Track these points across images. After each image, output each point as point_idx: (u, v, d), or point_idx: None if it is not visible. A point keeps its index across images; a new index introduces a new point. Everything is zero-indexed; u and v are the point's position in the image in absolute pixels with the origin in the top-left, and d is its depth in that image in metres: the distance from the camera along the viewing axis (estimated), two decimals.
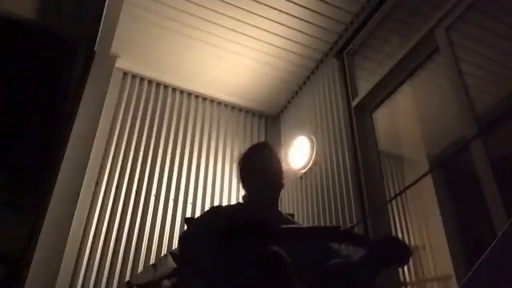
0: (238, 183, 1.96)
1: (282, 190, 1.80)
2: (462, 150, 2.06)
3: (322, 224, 2.75)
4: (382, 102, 2.77)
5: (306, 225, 2.08)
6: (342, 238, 1.60)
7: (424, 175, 2.03)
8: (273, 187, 1.73)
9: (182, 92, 3.51)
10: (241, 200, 1.80)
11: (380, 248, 1.54)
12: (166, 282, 2.04)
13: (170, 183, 3.06)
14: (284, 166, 1.87)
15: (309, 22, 3.02)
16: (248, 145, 3.51)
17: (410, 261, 2.79)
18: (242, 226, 1.40)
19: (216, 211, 1.80)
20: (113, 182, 2.88)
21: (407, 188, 2.40)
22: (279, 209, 1.84)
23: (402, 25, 2.79)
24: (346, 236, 1.60)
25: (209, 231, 1.45)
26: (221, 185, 3.24)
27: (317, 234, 1.61)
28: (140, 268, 2.65)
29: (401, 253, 1.54)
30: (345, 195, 2.58)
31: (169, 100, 3.42)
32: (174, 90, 3.49)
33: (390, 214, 2.67)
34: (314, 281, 1.44)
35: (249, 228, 1.39)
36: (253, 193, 1.74)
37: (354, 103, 2.83)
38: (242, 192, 1.82)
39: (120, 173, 2.94)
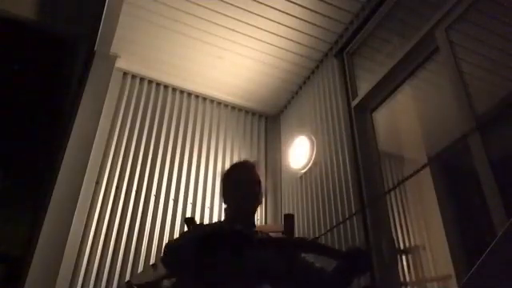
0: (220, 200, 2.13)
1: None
2: (461, 142, 2.06)
3: (322, 224, 2.75)
4: (382, 102, 2.77)
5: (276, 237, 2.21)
6: (310, 248, 1.72)
7: (423, 167, 2.04)
8: (248, 201, 1.83)
9: (182, 92, 3.52)
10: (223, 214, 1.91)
11: (345, 259, 1.66)
12: (165, 282, 2.04)
13: (170, 183, 3.06)
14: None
15: (309, 22, 3.02)
16: (248, 145, 3.55)
17: (410, 261, 2.80)
18: (219, 235, 1.50)
19: (196, 227, 1.93)
20: (113, 182, 2.88)
21: (406, 179, 2.40)
22: (256, 223, 1.97)
23: (402, 25, 2.79)
24: (314, 247, 1.71)
25: (191, 242, 1.54)
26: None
27: (286, 244, 1.71)
28: (140, 268, 2.65)
29: (362, 264, 1.67)
30: (345, 195, 2.59)
31: (169, 100, 3.42)
32: (174, 89, 3.49)
33: (390, 214, 2.67)
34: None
35: (224, 237, 1.48)
36: (231, 207, 1.86)
37: (353, 103, 2.83)
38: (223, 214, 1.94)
39: (120, 173, 2.94)
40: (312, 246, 1.71)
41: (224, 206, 1.90)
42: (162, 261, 1.90)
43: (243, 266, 1.50)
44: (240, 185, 1.85)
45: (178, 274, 1.70)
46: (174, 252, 1.60)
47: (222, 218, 1.98)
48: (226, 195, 1.89)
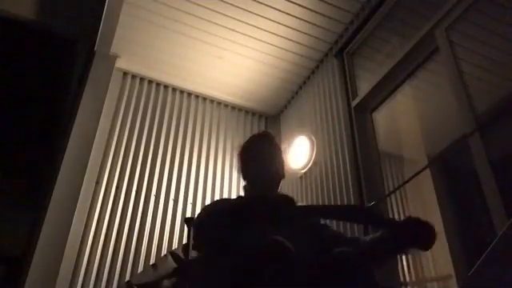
0: (238, 175, 1.93)
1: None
2: (461, 143, 2.05)
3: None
4: (382, 102, 2.77)
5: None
6: (362, 218, 1.52)
7: (423, 169, 2.04)
8: (272, 175, 1.67)
9: (182, 92, 3.52)
10: (241, 192, 1.76)
11: (402, 229, 1.44)
12: (165, 282, 2.04)
13: (170, 183, 3.06)
14: (284, 157, 1.82)
15: (309, 22, 3.02)
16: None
17: (410, 261, 2.80)
18: (255, 205, 1.37)
19: (222, 199, 1.77)
20: (113, 181, 2.88)
21: (407, 182, 2.39)
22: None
23: (402, 25, 2.79)
24: (367, 216, 1.51)
25: (222, 212, 1.41)
26: (221, 184, 3.24)
27: (333, 213, 1.54)
28: (140, 268, 2.65)
29: (424, 235, 1.41)
30: (345, 195, 2.59)
31: (169, 100, 3.42)
32: (174, 89, 3.49)
33: (391, 214, 2.67)
34: (313, 271, 1.36)
35: (263, 206, 1.35)
36: (252, 182, 1.70)
37: (353, 103, 2.83)
38: (242, 192, 1.79)
39: (120, 173, 2.94)
40: (365, 215, 1.49)
41: (243, 183, 1.75)
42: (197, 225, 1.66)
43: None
44: (259, 158, 1.67)
45: (210, 249, 1.49)
46: (208, 223, 1.44)
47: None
48: (244, 171, 1.71)
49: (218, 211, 1.46)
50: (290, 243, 1.25)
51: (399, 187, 2.77)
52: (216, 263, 1.39)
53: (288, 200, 1.68)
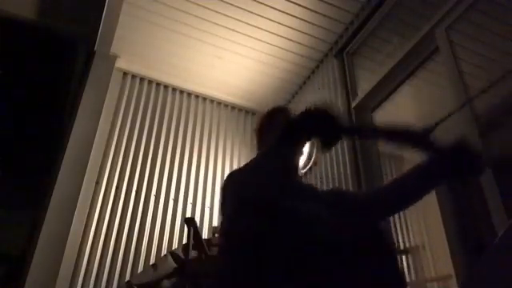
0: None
1: None
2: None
3: None
4: (382, 101, 2.77)
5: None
6: (414, 141, 1.37)
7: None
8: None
9: (182, 92, 3.52)
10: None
11: (445, 153, 1.31)
12: (165, 282, 2.04)
13: (170, 183, 3.06)
14: None
15: (309, 22, 3.02)
16: (248, 145, 3.54)
17: (410, 261, 2.80)
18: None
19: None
20: (113, 181, 2.88)
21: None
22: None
23: (402, 25, 2.78)
24: (420, 139, 1.36)
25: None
26: (221, 184, 3.24)
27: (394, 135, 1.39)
28: (140, 268, 2.65)
29: (471, 162, 1.29)
30: None
31: (169, 100, 3.42)
32: (174, 89, 3.49)
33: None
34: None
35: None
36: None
37: (354, 103, 2.83)
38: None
39: (120, 173, 2.94)
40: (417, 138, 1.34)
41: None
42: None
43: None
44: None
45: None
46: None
47: None
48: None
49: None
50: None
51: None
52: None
53: None
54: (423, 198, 1.42)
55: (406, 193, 1.39)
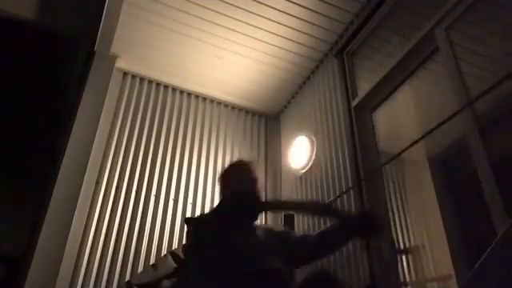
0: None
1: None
2: (461, 142, 2.07)
3: (322, 224, 2.75)
4: (382, 101, 2.77)
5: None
6: (321, 211, 1.89)
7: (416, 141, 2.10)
8: (248, 203, 1.84)
9: (182, 92, 3.52)
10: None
11: (354, 220, 1.81)
12: (165, 282, 2.04)
13: (170, 183, 3.06)
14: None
15: (309, 22, 3.02)
16: (248, 145, 3.55)
17: (410, 261, 2.80)
18: (235, 200, 1.66)
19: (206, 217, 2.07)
20: (113, 181, 2.88)
21: (401, 152, 2.41)
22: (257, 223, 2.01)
23: (402, 25, 2.79)
24: (325, 209, 1.88)
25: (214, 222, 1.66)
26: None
27: (298, 207, 1.93)
28: (140, 268, 2.65)
29: (370, 225, 1.77)
30: (345, 195, 2.58)
31: (169, 100, 3.42)
32: (174, 89, 3.49)
33: (390, 214, 2.67)
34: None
35: (238, 200, 1.63)
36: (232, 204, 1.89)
37: (353, 103, 2.83)
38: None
39: (120, 173, 2.94)
40: (323, 208, 1.87)
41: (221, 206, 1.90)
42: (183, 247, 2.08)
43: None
44: (240, 185, 1.89)
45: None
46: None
47: None
48: (225, 192, 1.95)
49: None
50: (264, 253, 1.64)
51: (393, 158, 2.75)
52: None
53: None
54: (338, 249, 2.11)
55: (327, 244, 1.90)
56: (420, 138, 2.21)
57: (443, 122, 1.82)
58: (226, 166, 2.12)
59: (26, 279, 2.28)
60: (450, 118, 1.76)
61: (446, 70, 2.18)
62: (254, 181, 1.92)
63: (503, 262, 1.05)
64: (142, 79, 3.39)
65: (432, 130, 1.84)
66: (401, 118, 3.25)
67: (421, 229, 3.07)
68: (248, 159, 2.19)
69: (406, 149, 1.94)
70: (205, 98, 3.59)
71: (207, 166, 3.27)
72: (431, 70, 2.57)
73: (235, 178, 1.96)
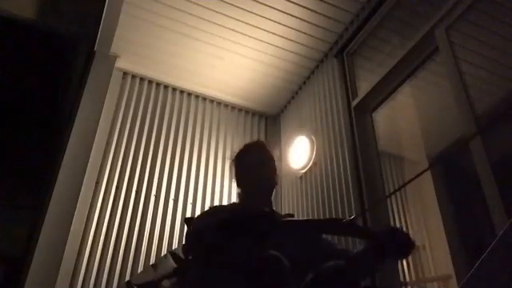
0: (232, 182, 2.03)
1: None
2: (462, 148, 2.06)
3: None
4: (382, 102, 2.77)
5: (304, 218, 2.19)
6: (343, 229, 1.57)
7: (424, 171, 2.03)
8: (264, 184, 1.76)
9: (182, 92, 3.51)
10: (235, 199, 1.84)
11: (379, 238, 1.51)
12: (165, 282, 2.04)
13: (170, 183, 3.06)
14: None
15: (309, 22, 3.02)
16: None
17: (410, 261, 2.80)
18: (241, 218, 1.42)
19: (214, 209, 1.84)
20: (113, 182, 2.88)
21: (407, 184, 2.39)
22: (274, 208, 1.86)
23: (402, 25, 2.79)
24: (347, 228, 1.55)
25: (210, 226, 1.47)
26: (221, 185, 3.24)
27: (317, 227, 1.61)
28: (140, 268, 2.65)
29: (400, 243, 1.48)
30: (345, 195, 2.58)
31: (169, 100, 3.42)
32: (174, 89, 3.49)
33: (390, 214, 2.67)
34: (307, 283, 1.45)
35: (248, 220, 1.39)
36: (245, 190, 1.78)
37: (354, 103, 2.83)
38: (236, 198, 1.88)
39: (120, 173, 2.94)
40: (344, 227, 1.53)
41: (237, 190, 1.83)
42: (183, 248, 1.88)
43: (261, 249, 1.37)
44: (253, 167, 1.76)
45: (197, 258, 1.62)
46: (196, 236, 1.52)
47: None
48: (238, 179, 1.80)
49: (212, 221, 1.51)
50: (282, 253, 1.32)
51: (397, 190, 2.77)
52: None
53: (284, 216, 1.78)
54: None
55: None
56: (426, 169, 2.17)
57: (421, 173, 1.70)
58: (237, 151, 1.93)
59: (26, 279, 2.28)
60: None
61: (446, 70, 2.18)
62: (264, 164, 1.78)
63: (503, 262, 1.05)
64: (142, 79, 3.39)
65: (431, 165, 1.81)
66: (401, 118, 3.25)
67: (421, 229, 3.07)
68: (260, 140, 2.05)
69: (411, 180, 1.81)
70: (205, 98, 3.59)
71: (207, 166, 3.27)
72: (431, 70, 2.57)
73: (245, 163, 1.81)
